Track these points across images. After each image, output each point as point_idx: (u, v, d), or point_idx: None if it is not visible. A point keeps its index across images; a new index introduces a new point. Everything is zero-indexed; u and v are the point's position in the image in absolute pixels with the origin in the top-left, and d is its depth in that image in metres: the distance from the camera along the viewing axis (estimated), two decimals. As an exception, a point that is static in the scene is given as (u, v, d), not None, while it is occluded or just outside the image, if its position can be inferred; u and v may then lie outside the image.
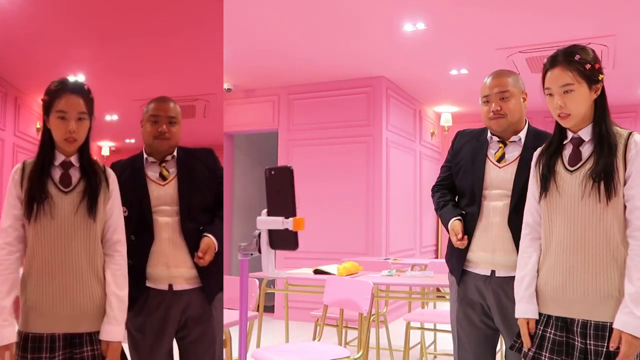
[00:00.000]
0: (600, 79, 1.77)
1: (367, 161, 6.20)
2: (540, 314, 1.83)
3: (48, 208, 1.85)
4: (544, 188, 1.82)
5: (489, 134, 2.34)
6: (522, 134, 2.27)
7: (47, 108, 1.92)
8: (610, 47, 5.03)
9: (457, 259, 2.34)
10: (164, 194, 2.24)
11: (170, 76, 5.07)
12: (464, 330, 2.35)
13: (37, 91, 5.41)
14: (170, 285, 2.21)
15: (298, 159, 6.39)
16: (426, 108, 7.67)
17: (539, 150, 1.95)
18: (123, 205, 2.06)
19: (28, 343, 1.84)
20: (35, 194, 1.84)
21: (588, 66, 1.74)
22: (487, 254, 2.25)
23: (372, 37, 4.90)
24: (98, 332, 1.90)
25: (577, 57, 1.75)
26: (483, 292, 2.27)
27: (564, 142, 1.84)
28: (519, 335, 1.90)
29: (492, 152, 2.30)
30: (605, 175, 1.69)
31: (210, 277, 2.25)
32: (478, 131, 2.42)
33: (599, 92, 1.78)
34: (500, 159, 2.27)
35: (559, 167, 1.81)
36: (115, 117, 5.22)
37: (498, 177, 2.25)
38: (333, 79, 6.27)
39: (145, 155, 2.31)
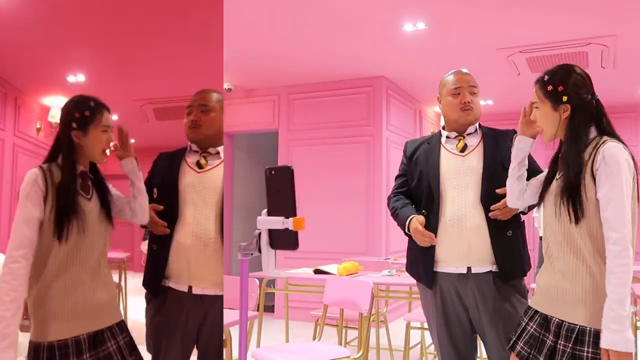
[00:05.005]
0: (563, 100, 1.78)
1: (367, 161, 6.20)
2: (529, 308, 1.88)
3: (81, 223, 1.85)
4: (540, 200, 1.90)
5: (442, 136, 2.35)
6: (476, 125, 2.33)
7: (86, 122, 1.94)
8: (610, 47, 5.03)
9: (423, 262, 2.25)
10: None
11: (170, 76, 5.08)
12: (442, 345, 2.36)
13: (37, 91, 5.43)
14: (190, 287, 2.13)
15: (298, 159, 6.39)
16: (426, 108, 7.66)
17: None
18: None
19: (55, 352, 1.79)
20: (70, 210, 1.83)
21: (550, 87, 1.80)
22: (461, 250, 2.17)
23: (372, 37, 4.90)
24: (116, 325, 1.95)
25: (545, 77, 1.83)
26: (460, 293, 2.21)
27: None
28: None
29: (452, 146, 2.31)
30: (569, 198, 1.71)
31: None
32: (427, 137, 2.44)
33: (567, 114, 1.78)
34: (463, 149, 2.28)
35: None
36: (115, 117, 5.22)
37: (464, 166, 2.24)
38: (333, 79, 6.27)
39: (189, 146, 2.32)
